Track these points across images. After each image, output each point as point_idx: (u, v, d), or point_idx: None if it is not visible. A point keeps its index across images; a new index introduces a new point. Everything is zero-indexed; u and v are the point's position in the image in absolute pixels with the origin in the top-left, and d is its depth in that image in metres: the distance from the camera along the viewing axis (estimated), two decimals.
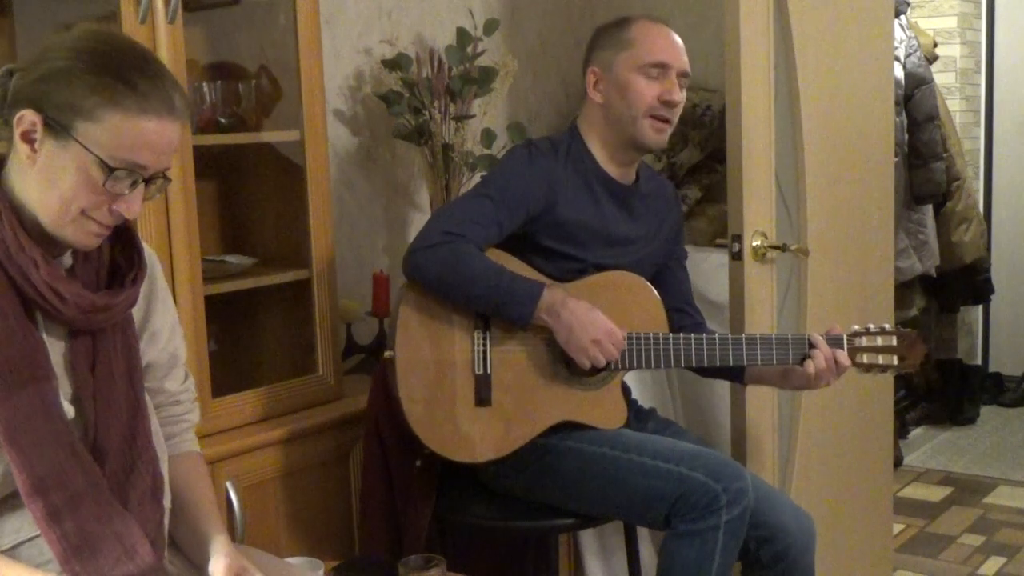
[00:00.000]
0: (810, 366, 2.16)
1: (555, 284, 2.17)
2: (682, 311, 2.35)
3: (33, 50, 1.47)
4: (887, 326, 2.24)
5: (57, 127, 1.39)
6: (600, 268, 2.23)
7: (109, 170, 1.40)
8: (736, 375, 2.33)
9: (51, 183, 1.41)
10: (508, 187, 2.17)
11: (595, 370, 2.15)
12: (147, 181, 1.45)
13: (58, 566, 1.45)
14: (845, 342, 2.21)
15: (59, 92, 1.39)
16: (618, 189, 2.28)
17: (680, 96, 2.23)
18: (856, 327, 2.24)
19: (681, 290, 2.40)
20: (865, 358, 2.22)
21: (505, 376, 2.15)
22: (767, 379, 2.31)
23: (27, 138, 1.41)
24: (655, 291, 2.24)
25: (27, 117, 1.40)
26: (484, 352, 2.14)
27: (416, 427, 2.13)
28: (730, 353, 2.18)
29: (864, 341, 2.22)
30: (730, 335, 2.22)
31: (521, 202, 2.16)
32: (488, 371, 2.14)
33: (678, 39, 2.26)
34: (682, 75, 2.24)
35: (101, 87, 1.38)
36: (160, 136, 1.42)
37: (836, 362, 2.17)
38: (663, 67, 2.21)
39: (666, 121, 2.23)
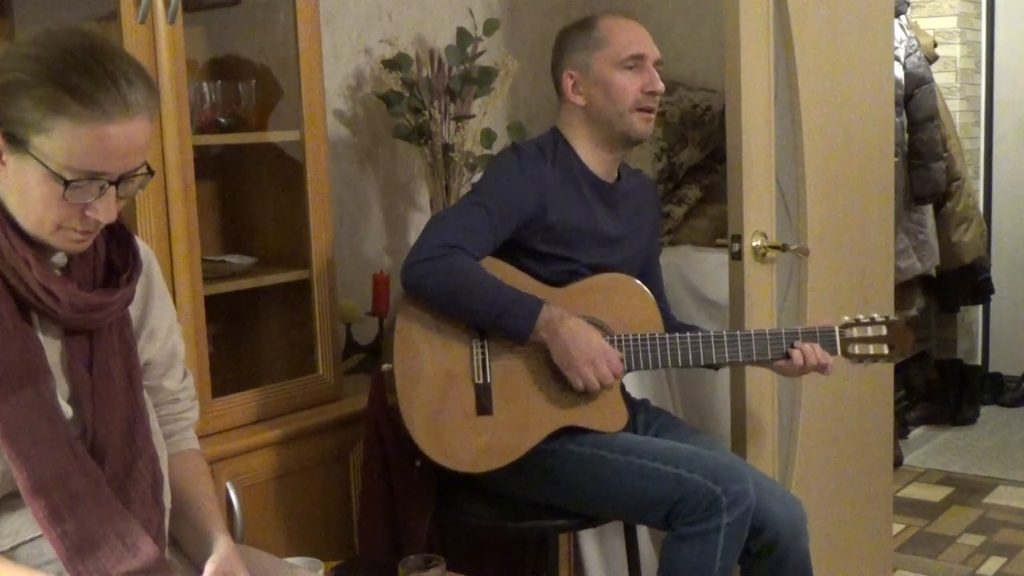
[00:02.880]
0: (797, 358, 2.18)
1: (550, 292, 2.17)
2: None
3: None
4: (876, 316, 2.27)
5: (15, 142, 1.37)
6: (592, 268, 2.24)
7: (65, 183, 1.37)
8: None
9: (23, 196, 1.40)
10: (500, 194, 2.17)
11: None
12: (118, 182, 1.41)
13: (59, 566, 1.45)
14: (838, 334, 2.23)
15: (11, 106, 1.36)
16: (604, 188, 2.29)
17: (662, 84, 2.25)
18: (847, 318, 2.26)
19: (655, 286, 2.40)
20: (857, 349, 2.25)
21: (505, 384, 2.15)
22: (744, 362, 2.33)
23: None
24: (649, 292, 2.25)
25: None
26: (483, 361, 2.14)
27: (419, 439, 2.12)
28: (725, 350, 2.19)
29: (855, 332, 2.25)
30: (724, 332, 2.23)
31: (514, 208, 2.17)
32: (488, 380, 2.14)
33: (645, 29, 2.28)
34: (657, 63, 2.27)
35: (46, 99, 1.34)
36: (116, 140, 1.37)
37: (817, 360, 2.20)
38: (640, 58, 2.23)
39: (651, 111, 2.25)
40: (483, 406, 2.14)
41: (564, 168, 2.24)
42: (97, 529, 1.43)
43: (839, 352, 2.24)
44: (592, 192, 2.26)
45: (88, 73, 1.36)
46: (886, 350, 2.26)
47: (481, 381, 2.14)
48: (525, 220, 2.18)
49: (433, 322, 2.13)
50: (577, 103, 2.26)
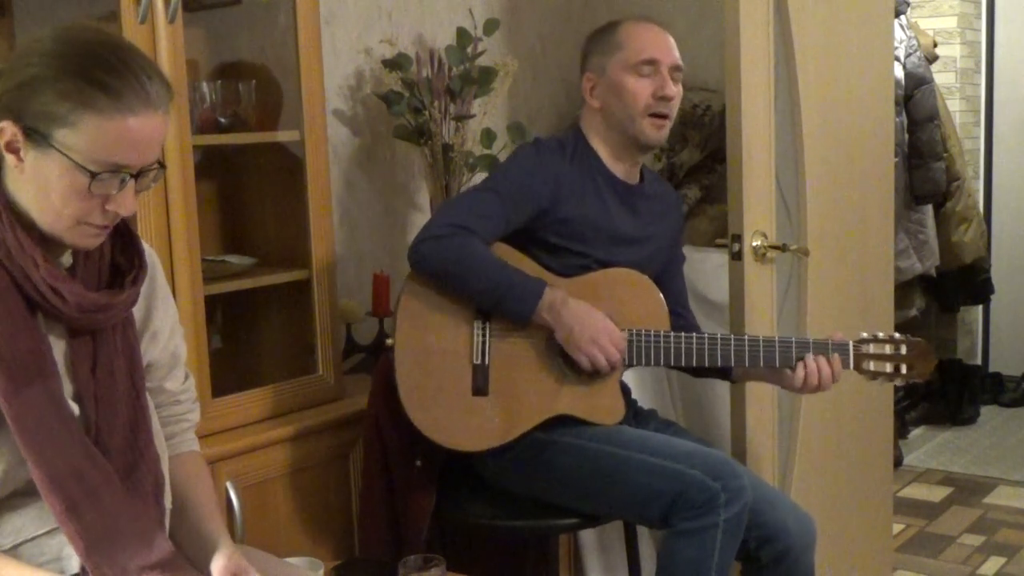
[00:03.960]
0: (800, 370, 2.17)
1: (557, 281, 2.17)
2: (677, 313, 2.36)
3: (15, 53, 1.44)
4: (897, 335, 2.24)
5: (37, 136, 1.38)
6: (605, 265, 2.24)
7: (91, 175, 1.39)
8: (725, 373, 2.33)
9: (42, 191, 1.41)
10: (515, 182, 2.19)
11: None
12: (137, 175, 1.43)
13: (60, 565, 1.46)
14: (851, 348, 2.20)
15: (33, 101, 1.37)
16: (623, 189, 2.29)
17: (673, 90, 2.25)
18: (864, 334, 2.23)
19: (677, 292, 2.42)
20: (872, 365, 2.21)
21: (503, 367, 2.15)
22: (755, 376, 2.32)
23: (11, 148, 1.40)
24: (657, 289, 2.25)
25: (7, 128, 1.38)
26: (484, 342, 2.15)
27: (412, 414, 2.13)
28: (732, 353, 2.18)
29: (872, 348, 2.21)
30: (732, 335, 2.22)
31: (527, 197, 2.18)
32: (486, 361, 2.15)
33: (667, 35, 2.28)
34: (674, 69, 2.26)
35: (72, 92, 1.36)
36: (140, 132, 1.40)
37: (822, 373, 2.17)
38: (653, 63, 2.23)
39: (664, 117, 2.25)
40: (479, 387, 2.15)
41: (582, 164, 2.26)
42: (114, 523, 1.44)
43: (851, 367, 2.21)
44: (610, 191, 2.27)
45: (112, 68, 1.38)
46: (904, 370, 2.20)
47: (479, 362, 2.15)
48: (539, 210, 2.19)
49: (437, 301, 2.15)
50: (593, 105, 2.28)
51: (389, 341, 2.16)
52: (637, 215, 2.31)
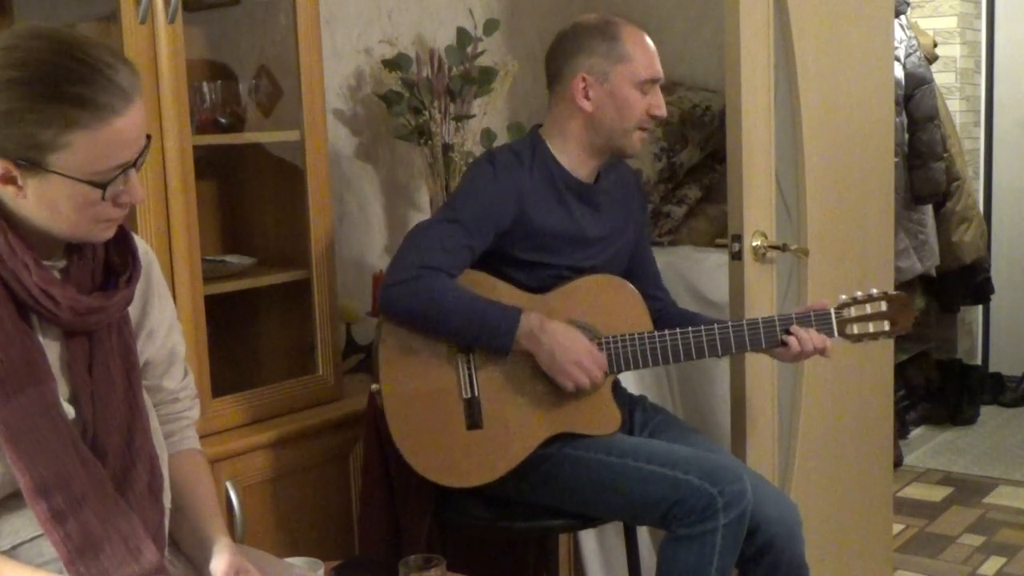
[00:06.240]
0: (793, 345, 2.18)
1: (534, 300, 2.16)
2: (654, 297, 2.35)
3: None
4: (875, 291, 2.24)
5: (31, 166, 1.36)
6: (576, 271, 2.22)
7: (102, 186, 1.38)
8: None
9: (52, 210, 1.40)
10: (475, 208, 2.15)
11: None
12: (136, 161, 1.42)
13: (59, 565, 1.45)
14: (833, 316, 2.21)
15: (14, 135, 1.34)
16: (584, 190, 2.26)
17: (666, 111, 2.27)
18: (843, 297, 2.23)
19: (652, 275, 2.41)
20: (856, 328, 2.22)
21: (494, 397, 2.14)
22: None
23: (7, 180, 1.37)
24: (635, 290, 2.24)
25: None
26: (470, 375, 2.14)
27: (411, 459, 2.12)
28: (717, 343, 2.17)
29: (853, 311, 2.22)
30: (716, 323, 2.22)
31: (489, 221, 2.15)
32: (476, 394, 2.13)
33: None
34: (661, 84, 2.28)
35: (52, 117, 1.33)
36: (128, 128, 1.38)
37: (814, 340, 2.18)
38: (656, 83, 2.23)
39: (647, 130, 2.26)
40: (473, 421, 2.13)
41: (543, 173, 2.22)
42: (100, 531, 1.43)
43: (836, 334, 2.22)
44: (572, 194, 2.24)
45: (80, 77, 1.35)
46: (886, 326, 2.22)
47: (469, 396, 2.13)
48: (503, 230, 2.16)
49: (417, 340, 2.12)
50: (583, 107, 2.21)
51: (375, 387, 2.13)
52: (599, 213, 2.28)
